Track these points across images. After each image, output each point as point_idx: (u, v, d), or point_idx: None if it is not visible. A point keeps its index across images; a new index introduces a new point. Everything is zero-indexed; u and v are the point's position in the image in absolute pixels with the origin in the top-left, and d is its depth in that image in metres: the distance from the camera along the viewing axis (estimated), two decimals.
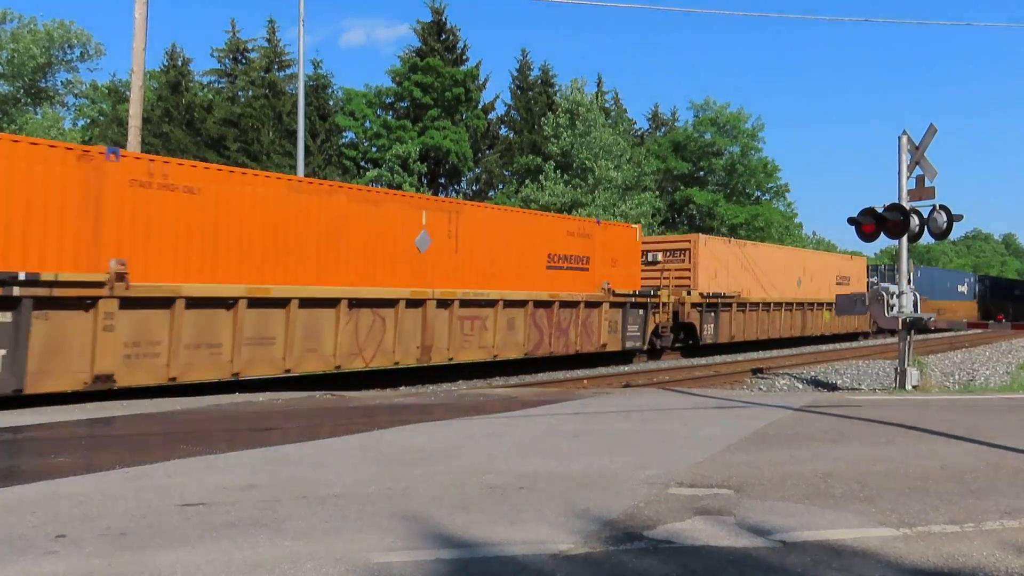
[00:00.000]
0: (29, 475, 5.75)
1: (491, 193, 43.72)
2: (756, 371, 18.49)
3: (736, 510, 4.92)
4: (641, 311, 20.47)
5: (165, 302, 11.24)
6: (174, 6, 73.51)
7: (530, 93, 48.55)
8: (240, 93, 42.71)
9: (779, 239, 48.07)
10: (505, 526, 4.53)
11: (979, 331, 35.45)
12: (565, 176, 38.91)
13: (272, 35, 42.79)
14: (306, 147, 28.35)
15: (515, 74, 49.26)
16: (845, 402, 10.90)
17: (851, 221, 13.28)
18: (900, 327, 13.76)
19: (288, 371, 12.86)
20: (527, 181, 39.61)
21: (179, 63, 41.79)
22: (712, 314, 24.11)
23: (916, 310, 13.99)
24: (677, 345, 23.00)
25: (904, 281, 14.01)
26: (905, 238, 13.38)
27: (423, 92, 38.87)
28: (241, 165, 32.92)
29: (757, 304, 26.66)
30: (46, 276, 9.88)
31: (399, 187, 34.60)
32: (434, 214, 15.34)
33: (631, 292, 19.96)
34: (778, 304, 27.87)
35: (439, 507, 4.93)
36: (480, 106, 43.21)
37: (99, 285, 10.44)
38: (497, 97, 59.92)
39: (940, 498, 5.30)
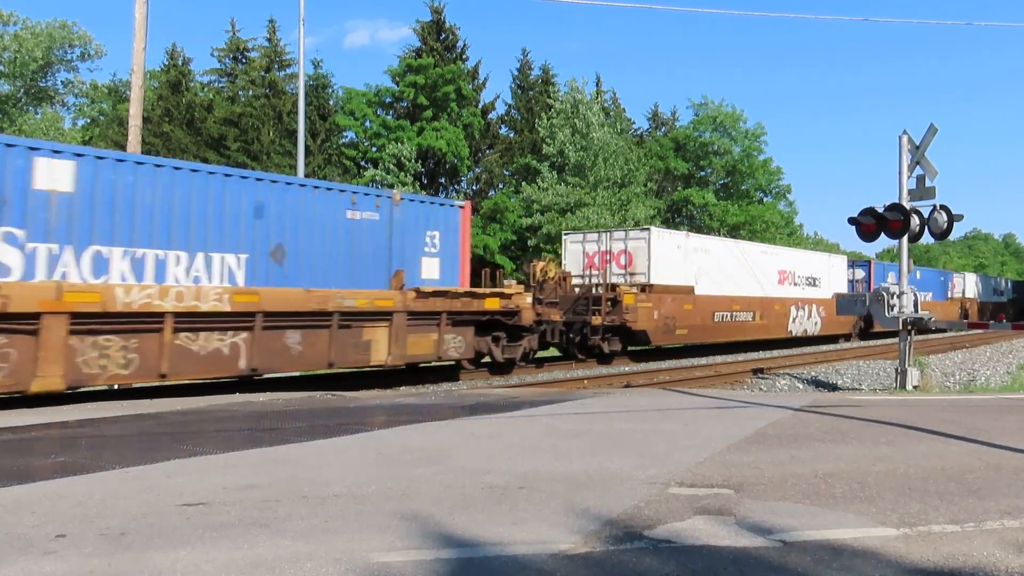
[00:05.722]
0: (29, 475, 5.75)
1: (491, 193, 43.65)
2: (756, 371, 18.49)
3: (736, 510, 4.91)
4: None
5: None
6: (174, 6, 73.56)
7: (530, 93, 48.54)
8: (240, 93, 42.68)
9: (778, 239, 47.94)
10: (505, 526, 4.53)
11: (980, 331, 35.41)
12: (562, 176, 38.77)
13: (272, 35, 42.75)
14: (306, 147, 28.34)
15: (516, 74, 49.31)
16: (846, 402, 10.89)
17: (851, 221, 13.29)
18: (900, 327, 13.76)
19: None
20: (523, 183, 39.49)
21: (179, 63, 41.78)
22: None
23: (916, 310, 13.99)
24: None
25: (905, 281, 14.01)
26: (905, 238, 13.38)
27: (416, 91, 38.78)
28: (241, 165, 32.91)
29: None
30: None
31: (391, 187, 34.30)
32: None
33: None
34: None
35: (439, 507, 4.93)
36: (480, 106, 43.13)
37: None
38: (498, 97, 59.96)
39: (940, 498, 5.29)
